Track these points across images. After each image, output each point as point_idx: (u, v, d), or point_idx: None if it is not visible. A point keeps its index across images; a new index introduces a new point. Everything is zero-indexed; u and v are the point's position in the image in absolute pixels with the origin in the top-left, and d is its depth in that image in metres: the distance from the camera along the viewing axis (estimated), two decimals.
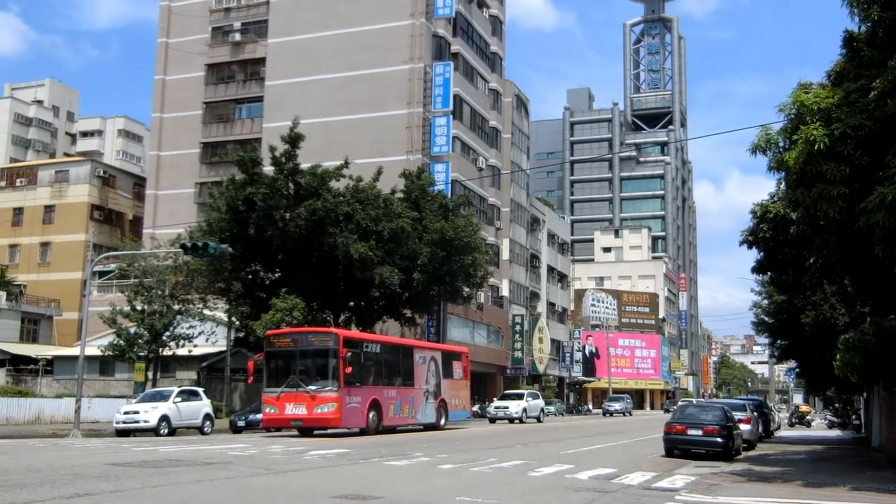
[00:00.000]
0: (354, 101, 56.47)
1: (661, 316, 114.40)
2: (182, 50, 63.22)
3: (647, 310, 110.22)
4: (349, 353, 26.14)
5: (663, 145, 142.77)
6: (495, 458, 18.42)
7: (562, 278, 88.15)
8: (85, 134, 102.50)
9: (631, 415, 60.48)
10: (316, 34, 59.37)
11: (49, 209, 65.68)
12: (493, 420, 44.92)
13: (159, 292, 41.51)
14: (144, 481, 12.18)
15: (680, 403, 37.51)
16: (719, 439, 21.48)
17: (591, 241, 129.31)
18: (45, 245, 65.04)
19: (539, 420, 46.42)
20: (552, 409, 59.74)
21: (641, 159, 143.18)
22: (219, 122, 62.74)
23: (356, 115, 56.29)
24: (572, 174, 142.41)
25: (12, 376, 46.70)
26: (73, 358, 40.30)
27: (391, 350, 31.51)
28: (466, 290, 44.96)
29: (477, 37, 63.93)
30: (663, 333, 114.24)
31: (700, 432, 21.63)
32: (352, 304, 41.82)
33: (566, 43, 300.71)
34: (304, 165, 38.59)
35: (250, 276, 40.50)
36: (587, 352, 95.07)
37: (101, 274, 57.85)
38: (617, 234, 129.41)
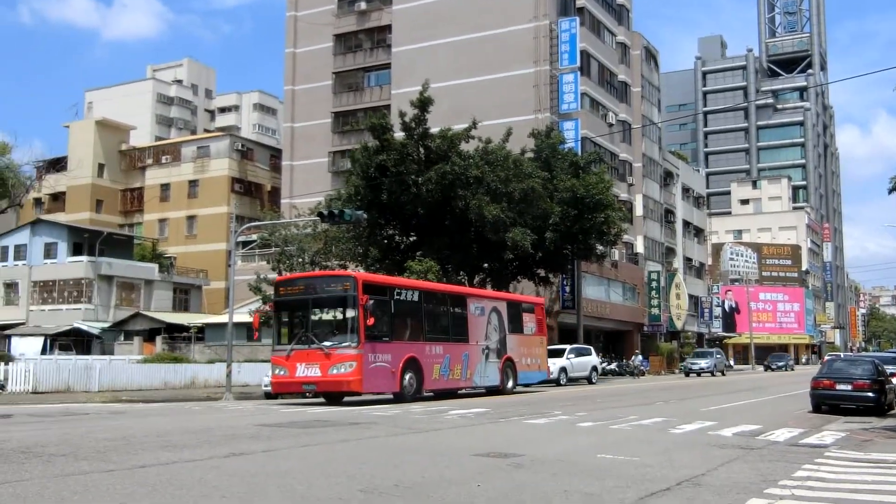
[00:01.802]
0: (480, 62, 56.37)
1: (804, 268, 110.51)
2: (310, 22, 64.45)
3: (788, 262, 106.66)
4: (371, 302, 21.74)
5: (802, 91, 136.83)
6: (635, 415, 18.37)
7: (698, 233, 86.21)
8: (223, 110, 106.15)
9: (724, 374, 58.36)
10: None
11: (193, 184, 68.65)
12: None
13: (300, 259, 42.81)
14: (293, 441, 12.72)
15: (827, 357, 36.34)
16: (870, 394, 20.72)
17: (728, 193, 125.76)
18: (191, 218, 68.05)
19: (590, 381, 40.04)
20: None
21: (779, 106, 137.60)
22: (348, 92, 63.80)
23: (482, 77, 56.22)
24: (706, 125, 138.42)
25: (167, 344, 49.21)
26: (223, 325, 42.16)
27: (435, 299, 26.47)
28: (600, 247, 44.56)
29: None
30: (807, 286, 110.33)
31: (849, 387, 20.91)
32: (486, 265, 42.14)
33: None
34: (433, 129, 38.90)
35: (385, 241, 41.29)
36: (727, 307, 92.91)
37: (245, 244, 60.10)
38: (755, 185, 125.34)
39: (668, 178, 75.86)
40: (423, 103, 38.18)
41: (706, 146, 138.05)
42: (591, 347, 44.69)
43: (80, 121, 77.73)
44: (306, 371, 21.89)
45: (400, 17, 61.22)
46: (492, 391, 27.72)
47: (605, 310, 59.14)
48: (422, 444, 12.85)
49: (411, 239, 41.37)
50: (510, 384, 28.57)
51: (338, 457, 11.02)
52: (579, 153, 47.27)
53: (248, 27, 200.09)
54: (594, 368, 41.44)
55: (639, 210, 66.48)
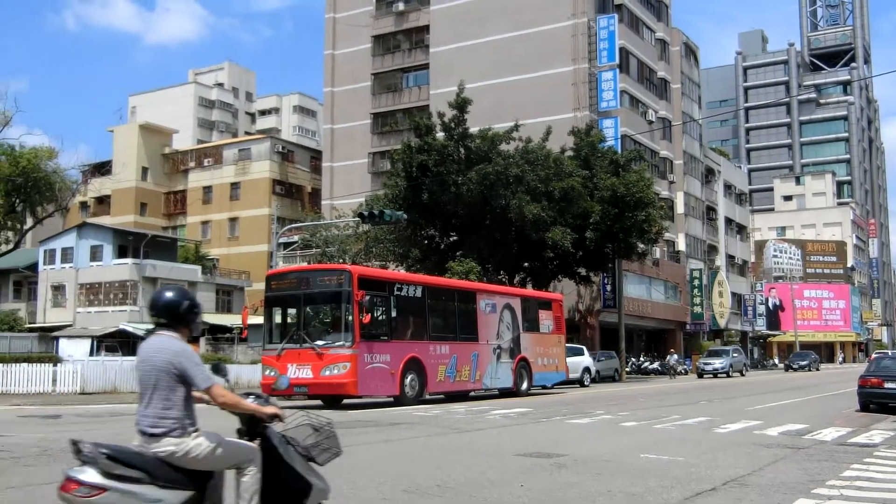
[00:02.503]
0: (519, 61, 56.27)
1: (849, 264, 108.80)
2: (349, 24, 64.79)
3: (834, 259, 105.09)
4: (368, 298, 20.33)
5: (845, 85, 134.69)
6: (678, 415, 18.23)
7: (740, 230, 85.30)
8: (263, 112, 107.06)
9: (743, 374, 53.10)
10: None
11: (235, 186, 69.31)
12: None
13: (341, 260, 43.08)
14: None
15: (874, 356, 35.68)
16: None
17: (771, 189, 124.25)
18: (233, 220, 68.70)
19: (582, 384, 36.07)
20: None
21: (822, 101, 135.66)
22: (387, 92, 64.02)
23: (521, 76, 56.10)
24: (747, 121, 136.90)
25: (211, 345, 49.69)
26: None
27: (440, 294, 24.99)
28: (641, 246, 44.27)
29: None
30: (853, 283, 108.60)
31: None
32: (526, 264, 42.10)
33: None
34: (473, 129, 38.96)
35: (426, 241, 41.40)
36: (770, 304, 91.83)
37: (286, 245, 60.56)
38: (798, 181, 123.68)
39: (709, 174, 75.15)
40: (461, 104, 38.27)
41: (748, 142, 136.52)
42: (584, 347, 41.52)
43: (125, 125, 78.78)
44: (297, 372, 20.14)
45: (438, 17, 61.30)
46: (504, 393, 26.31)
47: (646, 308, 58.72)
48: (464, 444, 12.87)
49: (452, 239, 41.44)
50: (524, 386, 26.92)
51: (381, 457, 11.08)
52: (619, 151, 47.01)
53: (288, 30, 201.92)
54: (586, 370, 37.63)
55: (680, 208, 65.93)
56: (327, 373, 19.91)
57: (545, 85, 55.02)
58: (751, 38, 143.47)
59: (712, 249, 75.42)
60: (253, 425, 5.21)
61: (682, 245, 66.80)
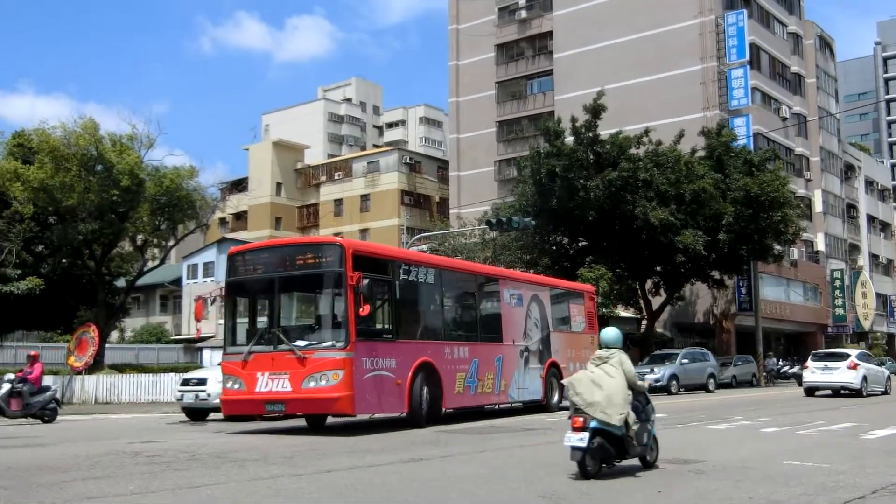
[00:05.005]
0: (644, 62, 55.42)
1: None
2: (472, 34, 65.26)
3: None
4: (366, 282, 14.70)
5: None
6: (823, 420, 17.58)
7: (884, 227, 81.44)
8: (390, 125, 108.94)
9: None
10: (600, 0, 58.95)
11: (365, 198, 70.82)
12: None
13: None
14: (470, 446, 12.90)
15: None
16: None
17: None
18: (363, 231, 70.15)
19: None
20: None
21: None
22: (512, 100, 64.12)
23: (647, 77, 55.21)
24: (889, 114, 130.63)
25: None
26: None
27: (456, 281, 19.23)
28: (777, 247, 42.93)
29: None
30: None
31: None
32: (658, 268, 41.44)
33: None
34: (602, 133, 38.70)
35: (554, 248, 41.26)
36: None
37: None
38: None
39: (849, 171, 72.17)
40: (596, 110, 38.07)
41: (890, 136, 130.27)
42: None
43: (259, 143, 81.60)
44: (270, 384, 14.92)
45: (561, 22, 61.03)
46: (531, 407, 20.93)
47: (784, 311, 56.84)
48: None
49: (581, 244, 41.17)
50: (556, 398, 21.58)
51: (515, 463, 11.12)
52: (752, 150, 45.74)
53: (412, 42, 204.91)
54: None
55: (818, 206, 63.58)
56: (312, 384, 14.56)
57: (672, 85, 54.03)
58: (890, 27, 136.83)
59: (854, 249, 72.38)
60: None
61: (821, 245, 64.39)
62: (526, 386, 20.20)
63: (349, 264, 14.83)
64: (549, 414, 20.23)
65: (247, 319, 16.64)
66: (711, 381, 36.33)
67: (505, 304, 19.89)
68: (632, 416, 9.24)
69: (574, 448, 8.93)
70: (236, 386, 15.39)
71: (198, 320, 18.44)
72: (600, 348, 9.86)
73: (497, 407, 20.44)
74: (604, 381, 9.22)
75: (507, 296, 20.04)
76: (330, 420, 17.17)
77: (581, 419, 9.01)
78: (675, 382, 34.14)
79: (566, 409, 21.04)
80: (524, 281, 22.27)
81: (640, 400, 9.64)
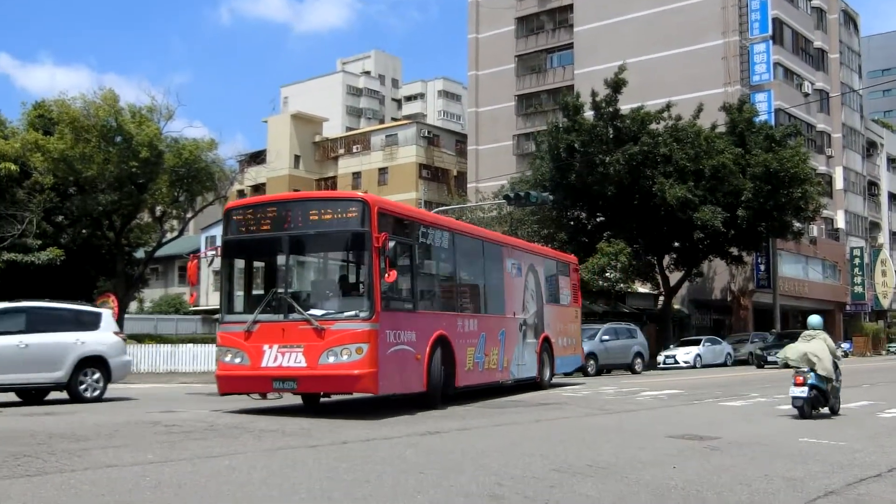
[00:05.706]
0: (665, 36, 54.94)
1: None
2: (492, 6, 64.79)
3: None
4: (393, 244, 12.95)
5: None
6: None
7: None
8: (408, 98, 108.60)
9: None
10: None
11: (383, 171, 70.73)
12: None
13: None
14: (487, 420, 12.96)
15: None
16: None
17: None
18: None
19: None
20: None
21: None
22: (531, 74, 63.75)
23: (668, 52, 54.74)
24: None
25: None
26: None
27: (468, 247, 17.18)
28: (796, 224, 42.68)
29: None
30: None
31: None
32: (676, 244, 41.29)
33: None
34: (622, 106, 38.46)
35: (572, 223, 41.17)
36: None
37: None
38: None
39: (871, 148, 71.46)
40: (617, 84, 37.86)
41: None
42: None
43: (277, 115, 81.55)
44: (281, 358, 12.91)
45: None
46: (522, 384, 19.25)
47: (802, 289, 56.58)
48: (614, 424, 12.80)
49: (598, 220, 41.06)
50: (547, 375, 20.36)
51: (531, 436, 11.16)
52: (773, 125, 45.37)
53: (432, 14, 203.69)
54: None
55: (839, 183, 63.11)
56: (332, 359, 12.64)
57: (693, 60, 53.56)
58: None
59: (875, 226, 71.82)
60: None
61: (840, 222, 63.96)
62: (524, 362, 18.92)
63: (374, 223, 12.96)
64: (565, 388, 20.29)
65: (248, 284, 14.53)
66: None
67: (507, 274, 18.47)
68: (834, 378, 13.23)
69: (795, 397, 12.91)
70: (237, 360, 13.25)
71: (192, 283, 16.74)
72: (806, 329, 13.67)
73: (501, 384, 18.28)
74: (818, 353, 12.91)
75: (509, 265, 18.61)
76: (324, 399, 15.64)
77: (801, 377, 12.88)
78: (593, 362, 29.58)
79: (557, 385, 20.98)
80: (524, 249, 20.67)
81: (837, 368, 13.30)
